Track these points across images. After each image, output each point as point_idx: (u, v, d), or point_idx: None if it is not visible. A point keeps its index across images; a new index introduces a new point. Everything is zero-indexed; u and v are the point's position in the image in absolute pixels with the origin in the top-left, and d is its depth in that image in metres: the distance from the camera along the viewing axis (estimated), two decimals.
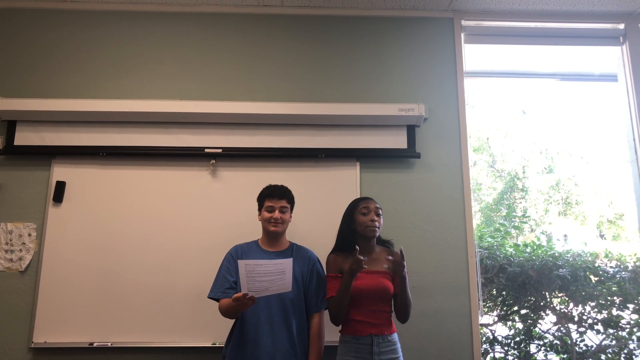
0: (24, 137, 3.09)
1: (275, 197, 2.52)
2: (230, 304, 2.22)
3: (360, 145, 3.17)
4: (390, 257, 2.29)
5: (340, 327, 2.45)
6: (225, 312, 2.34)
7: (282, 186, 2.58)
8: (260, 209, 2.58)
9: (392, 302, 2.46)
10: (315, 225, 3.03)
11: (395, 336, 2.40)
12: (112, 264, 2.97)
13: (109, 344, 2.87)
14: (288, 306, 2.41)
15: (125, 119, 3.11)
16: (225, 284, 2.42)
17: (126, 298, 2.93)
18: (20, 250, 2.98)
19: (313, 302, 2.51)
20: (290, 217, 2.60)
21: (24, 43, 3.28)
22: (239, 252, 2.51)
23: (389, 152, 3.17)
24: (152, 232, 3.03)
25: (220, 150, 3.10)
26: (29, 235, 3.00)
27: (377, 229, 2.46)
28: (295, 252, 2.56)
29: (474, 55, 3.58)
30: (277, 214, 2.49)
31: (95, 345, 2.86)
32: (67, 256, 2.97)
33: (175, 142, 3.12)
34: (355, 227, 2.49)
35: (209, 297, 2.44)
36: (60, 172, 3.08)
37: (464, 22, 3.45)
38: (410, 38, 3.40)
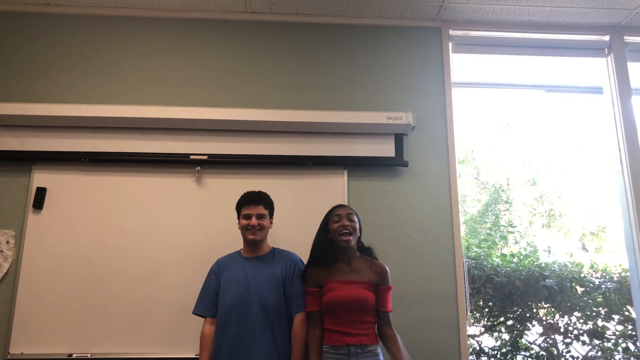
0: (4, 142, 3.02)
1: (251, 203, 2.49)
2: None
3: (348, 153, 3.14)
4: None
5: None
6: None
7: (259, 192, 2.56)
8: (239, 217, 2.55)
9: (375, 313, 2.37)
10: (301, 233, 2.96)
11: (377, 348, 2.31)
12: (93, 273, 2.90)
13: (89, 355, 2.80)
14: (271, 312, 2.37)
15: (108, 125, 3.05)
16: (208, 300, 2.45)
17: (107, 308, 2.86)
18: None
19: (295, 302, 2.44)
20: (271, 222, 2.56)
21: (5, 47, 3.22)
22: (220, 267, 2.51)
23: (377, 160, 3.15)
24: (135, 241, 2.96)
25: (206, 157, 3.06)
26: (7, 242, 2.92)
27: (349, 234, 2.36)
28: (277, 255, 2.54)
29: (461, 66, 3.60)
30: (254, 220, 2.46)
31: (74, 356, 2.79)
32: (47, 265, 2.89)
33: (160, 148, 3.07)
34: (332, 237, 2.41)
35: (193, 313, 2.45)
36: (40, 178, 3.01)
37: (451, 32, 3.47)
38: (398, 47, 3.40)
